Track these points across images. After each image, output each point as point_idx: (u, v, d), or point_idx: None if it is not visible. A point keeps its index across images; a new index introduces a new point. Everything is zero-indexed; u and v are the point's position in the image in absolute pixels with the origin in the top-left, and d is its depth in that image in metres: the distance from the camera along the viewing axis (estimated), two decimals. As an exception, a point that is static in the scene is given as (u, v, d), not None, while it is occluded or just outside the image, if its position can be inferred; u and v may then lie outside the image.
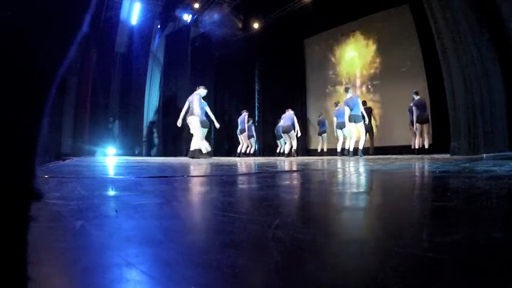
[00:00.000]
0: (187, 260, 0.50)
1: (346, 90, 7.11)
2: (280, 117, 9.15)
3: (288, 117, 8.27)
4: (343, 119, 7.45)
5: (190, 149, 6.75)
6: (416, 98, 7.24)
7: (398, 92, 9.36)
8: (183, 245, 0.60)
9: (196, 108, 6.66)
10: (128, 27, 10.74)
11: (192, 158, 6.53)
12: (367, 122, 7.00)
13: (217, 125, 7.35)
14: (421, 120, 7.11)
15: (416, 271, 0.44)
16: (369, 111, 8.28)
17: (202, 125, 6.79)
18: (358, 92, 6.98)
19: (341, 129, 7.86)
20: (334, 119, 8.29)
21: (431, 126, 7.30)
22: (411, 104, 7.39)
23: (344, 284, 0.41)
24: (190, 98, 6.86)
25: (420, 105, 7.14)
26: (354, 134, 7.02)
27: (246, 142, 9.88)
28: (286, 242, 0.58)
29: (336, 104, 8.29)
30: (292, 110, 8.53)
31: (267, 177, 2.05)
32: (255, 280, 0.43)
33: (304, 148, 11.89)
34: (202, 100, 6.86)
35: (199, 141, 6.70)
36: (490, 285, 0.39)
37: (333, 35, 11.42)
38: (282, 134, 8.63)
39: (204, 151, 6.82)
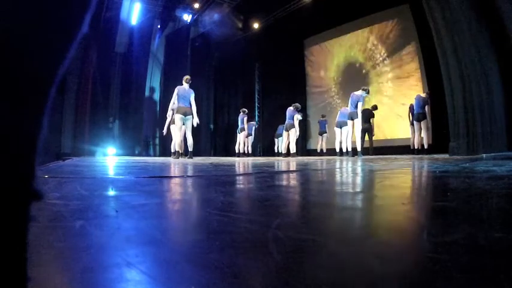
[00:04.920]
0: (187, 260, 0.50)
1: (365, 89, 7.06)
2: (281, 117, 9.12)
3: (290, 114, 8.22)
4: (343, 118, 7.62)
5: (190, 150, 6.75)
6: (417, 95, 7.27)
7: (398, 92, 9.36)
8: (183, 245, 0.60)
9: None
10: (128, 27, 10.74)
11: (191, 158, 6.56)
12: (358, 118, 6.97)
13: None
14: (417, 118, 7.11)
15: (417, 271, 0.44)
16: (368, 112, 8.29)
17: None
18: (358, 92, 6.94)
19: (340, 127, 7.93)
20: (338, 114, 8.32)
21: (430, 125, 7.27)
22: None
23: (344, 284, 0.41)
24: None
25: (417, 102, 7.14)
26: (350, 131, 7.11)
27: (242, 140, 10.00)
28: (286, 242, 0.58)
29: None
30: (294, 107, 8.35)
31: (267, 177, 2.05)
32: (255, 280, 0.43)
33: (303, 148, 11.90)
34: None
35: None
36: (490, 285, 0.39)
37: (333, 34, 11.43)
38: (284, 132, 8.57)
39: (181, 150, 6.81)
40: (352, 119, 7.01)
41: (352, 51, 10.95)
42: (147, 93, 11.58)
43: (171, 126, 7.38)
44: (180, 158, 6.72)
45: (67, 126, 8.80)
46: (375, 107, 8.60)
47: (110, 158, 7.35)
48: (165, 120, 7.58)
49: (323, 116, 10.45)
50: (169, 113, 7.13)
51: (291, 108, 8.24)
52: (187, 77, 6.72)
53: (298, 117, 8.15)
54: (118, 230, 0.69)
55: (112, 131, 10.66)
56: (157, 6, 11.25)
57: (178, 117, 6.51)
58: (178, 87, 6.58)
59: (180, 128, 6.61)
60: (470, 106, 4.57)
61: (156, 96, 12.06)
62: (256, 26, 12.13)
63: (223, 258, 0.50)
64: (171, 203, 1.12)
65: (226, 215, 0.84)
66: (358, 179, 1.95)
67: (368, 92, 7.09)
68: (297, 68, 12.51)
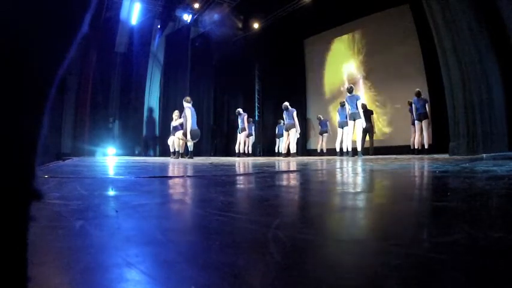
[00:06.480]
0: (187, 260, 0.50)
1: (350, 90, 7.17)
2: (281, 117, 9.15)
3: (288, 114, 8.25)
4: (344, 118, 7.67)
5: (190, 150, 6.87)
6: (413, 98, 7.37)
7: (399, 92, 9.36)
8: (182, 245, 0.60)
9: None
10: (128, 27, 10.73)
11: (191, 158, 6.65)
12: (361, 118, 7.05)
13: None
14: (419, 117, 7.17)
15: (417, 271, 0.44)
16: (364, 110, 8.31)
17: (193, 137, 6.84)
18: (358, 92, 7.00)
19: (342, 127, 7.97)
20: (337, 115, 8.38)
21: (431, 125, 7.30)
22: (411, 103, 7.51)
23: (344, 284, 0.41)
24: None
25: (417, 104, 7.23)
26: (351, 132, 7.18)
27: (243, 140, 10.03)
28: (286, 242, 0.58)
29: (342, 104, 8.28)
30: (285, 106, 8.35)
31: (267, 178, 2.05)
32: (254, 280, 0.43)
33: (303, 148, 11.90)
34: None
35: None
36: (490, 285, 0.39)
37: (333, 34, 11.44)
38: (284, 132, 8.61)
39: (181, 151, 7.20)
40: (355, 120, 7.07)
41: (352, 51, 10.95)
42: (147, 93, 11.57)
43: (171, 138, 7.52)
44: (180, 158, 6.76)
45: (67, 126, 8.81)
46: (364, 105, 8.66)
47: (109, 158, 7.35)
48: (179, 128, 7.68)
49: (319, 119, 10.46)
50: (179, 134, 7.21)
51: (285, 110, 8.31)
52: (189, 98, 7.03)
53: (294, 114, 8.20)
54: (118, 230, 0.69)
55: (112, 131, 10.65)
56: (157, 6, 11.24)
57: (188, 139, 6.65)
58: (189, 107, 6.78)
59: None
60: (470, 106, 4.57)
61: (156, 96, 12.06)
62: (256, 26, 12.13)
63: (223, 258, 0.50)
64: (171, 203, 1.12)
65: (226, 215, 0.84)
66: (359, 179, 1.95)
67: (352, 89, 7.22)
68: (297, 68, 12.50)
